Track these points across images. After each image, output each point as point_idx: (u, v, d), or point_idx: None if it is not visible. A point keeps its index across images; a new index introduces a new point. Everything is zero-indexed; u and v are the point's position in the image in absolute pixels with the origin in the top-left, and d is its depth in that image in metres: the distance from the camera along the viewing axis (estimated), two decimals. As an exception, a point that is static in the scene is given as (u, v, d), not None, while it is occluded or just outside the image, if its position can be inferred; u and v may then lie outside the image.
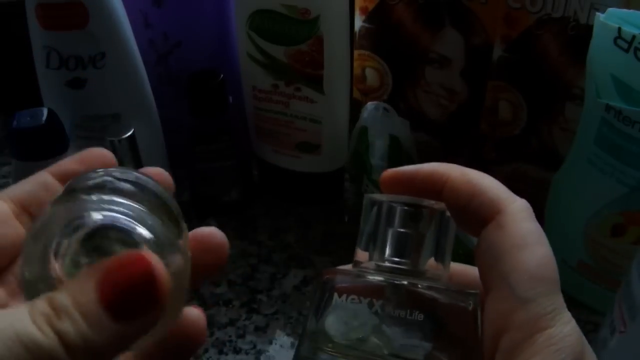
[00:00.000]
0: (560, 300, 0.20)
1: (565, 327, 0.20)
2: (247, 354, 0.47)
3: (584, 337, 0.20)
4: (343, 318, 0.22)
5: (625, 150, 0.39)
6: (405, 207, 0.24)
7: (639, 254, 0.35)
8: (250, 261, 0.55)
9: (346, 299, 0.22)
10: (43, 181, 0.24)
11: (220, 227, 0.24)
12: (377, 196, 0.25)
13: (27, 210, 0.23)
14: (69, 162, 0.25)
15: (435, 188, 0.24)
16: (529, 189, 0.56)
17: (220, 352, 0.47)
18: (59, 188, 0.23)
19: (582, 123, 0.44)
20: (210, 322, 0.49)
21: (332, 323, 0.22)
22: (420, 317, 0.22)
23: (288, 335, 0.48)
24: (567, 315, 0.20)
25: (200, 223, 0.26)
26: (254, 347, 0.47)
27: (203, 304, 0.50)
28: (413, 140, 0.56)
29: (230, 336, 0.48)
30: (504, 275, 0.20)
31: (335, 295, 0.23)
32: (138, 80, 0.50)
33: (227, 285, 0.52)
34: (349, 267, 0.25)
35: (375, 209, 0.25)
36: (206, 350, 0.47)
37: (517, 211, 0.22)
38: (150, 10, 0.53)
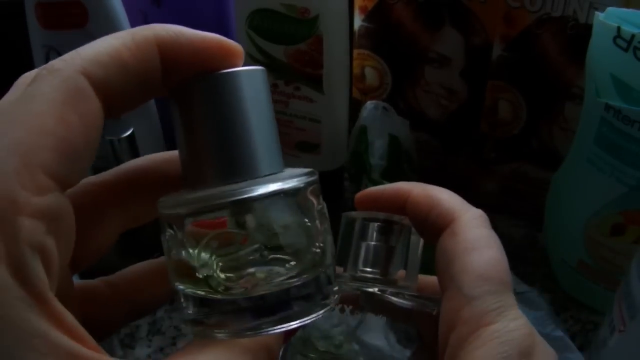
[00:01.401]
0: (508, 299, 0.21)
1: (510, 323, 0.20)
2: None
3: (536, 335, 0.21)
4: (321, 324, 0.24)
5: (625, 150, 0.39)
6: (377, 223, 0.26)
7: (638, 253, 0.35)
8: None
9: None
10: None
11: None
12: (353, 214, 0.27)
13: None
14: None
15: (399, 204, 0.26)
16: (528, 189, 0.56)
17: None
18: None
19: (581, 122, 0.44)
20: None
21: (311, 329, 0.24)
22: (389, 318, 0.23)
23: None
24: (514, 313, 0.21)
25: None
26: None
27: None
28: (412, 139, 0.56)
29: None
30: (453, 276, 0.22)
31: None
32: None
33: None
34: None
35: (350, 225, 0.27)
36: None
37: (469, 219, 0.23)
38: (150, 10, 0.53)
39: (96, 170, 0.22)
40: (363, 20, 0.56)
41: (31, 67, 0.18)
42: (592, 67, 0.41)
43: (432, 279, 0.27)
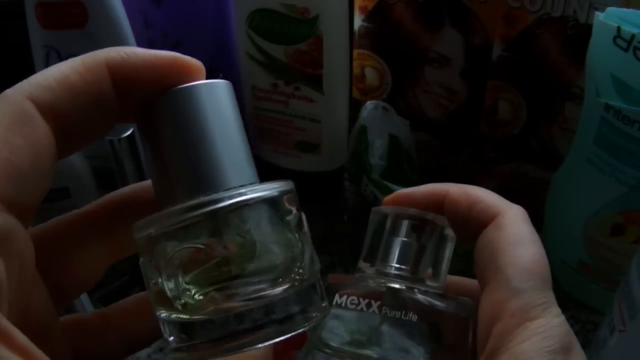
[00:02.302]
0: (551, 296, 0.21)
1: (554, 319, 0.21)
2: (246, 353, 0.47)
3: (573, 334, 0.21)
4: (342, 320, 0.23)
5: (625, 150, 0.39)
6: (409, 219, 0.26)
7: (638, 253, 0.35)
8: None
9: (346, 300, 0.23)
10: None
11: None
12: (385, 209, 0.27)
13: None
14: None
15: (435, 203, 0.26)
16: (528, 189, 0.56)
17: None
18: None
19: (581, 122, 0.44)
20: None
21: (331, 325, 0.23)
22: (415, 318, 0.23)
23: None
24: (557, 310, 0.21)
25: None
26: (254, 346, 0.47)
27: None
28: (413, 139, 0.56)
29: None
30: (500, 269, 0.22)
31: (337, 296, 0.24)
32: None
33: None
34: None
35: (380, 220, 0.26)
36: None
37: (514, 214, 0.24)
38: (150, 10, 0.53)
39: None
40: (363, 20, 0.56)
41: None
42: (592, 67, 0.41)
43: (458, 280, 0.27)
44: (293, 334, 0.19)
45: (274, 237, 0.19)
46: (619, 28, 0.37)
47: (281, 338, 0.19)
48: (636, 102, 0.38)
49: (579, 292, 0.49)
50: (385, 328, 0.23)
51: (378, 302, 0.23)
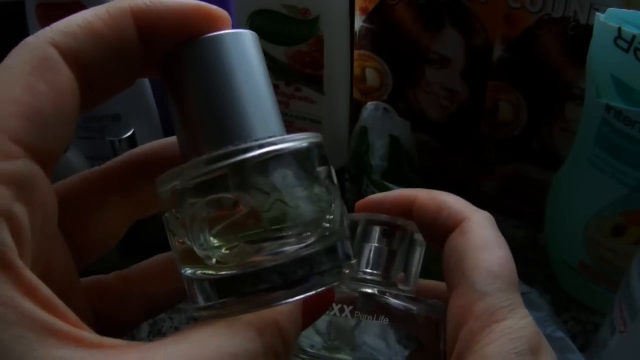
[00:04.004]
0: (517, 298, 0.22)
1: (521, 320, 0.21)
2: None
3: (541, 334, 0.21)
4: (317, 325, 0.24)
5: (626, 151, 0.39)
6: (380, 225, 0.26)
7: (639, 254, 0.35)
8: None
9: None
10: None
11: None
12: (356, 215, 0.27)
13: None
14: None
15: (404, 208, 0.26)
16: (529, 190, 0.56)
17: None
18: None
19: (582, 123, 0.44)
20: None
21: (306, 330, 0.23)
22: (387, 321, 0.23)
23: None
24: (524, 312, 0.21)
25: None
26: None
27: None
28: (413, 140, 0.56)
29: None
30: (465, 273, 0.22)
31: None
32: (139, 81, 0.50)
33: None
34: None
35: (351, 226, 0.27)
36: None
37: (479, 220, 0.24)
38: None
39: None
40: (364, 21, 0.56)
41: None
42: (593, 68, 0.41)
43: (429, 283, 0.27)
44: (322, 289, 0.18)
45: (303, 190, 0.18)
46: (619, 29, 0.37)
47: (310, 293, 0.18)
48: (637, 103, 0.37)
49: (579, 292, 0.49)
50: (358, 332, 0.23)
51: (351, 307, 0.24)
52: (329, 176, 0.19)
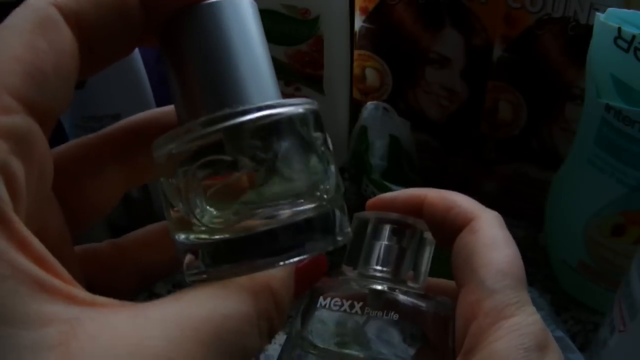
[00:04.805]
0: (525, 295, 0.22)
1: (529, 317, 0.21)
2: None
3: (548, 332, 0.22)
4: (326, 321, 0.24)
5: (626, 150, 0.39)
6: (390, 223, 0.27)
7: (638, 254, 0.35)
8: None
9: (330, 302, 0.24)
10: None
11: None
12: (366, 214, 0.27)
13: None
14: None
15: (414, 207, 0.26)
16: (529, 189, 0.56)
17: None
18: None
19: (582, 123, 0.44)
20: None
21: (316, 326, 0.24)
22: (397, 317, 0.24)
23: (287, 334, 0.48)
24: (531, 309, 0.22)
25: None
26: (254, 347, 0.47)
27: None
28: (413, 140, 0.56)
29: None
30: (475, 270, 0.23)
31: (320, 298, 0.24)
32: (138, 80, 0.50)
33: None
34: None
35: (362, 225, 0.27)
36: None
37: (488, 219, 0.24)
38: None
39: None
40: (364, 21, 0.56)
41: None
42: (593, 68, 0.41)
43: (437, 281, 0.27)
44: (315, 254, 0.18)
45: (299, 156, 0.18)
46: (619, 29, 0.37)
47: (302, 257, 0.18)
48: (637, 103, 0.38)
49: (579, 292, 0.49)
50: (368, 328, 0.24)
51: (361, 303, 0.24)
52: (325, 142, 0.20)
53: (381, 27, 0.55)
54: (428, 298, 0.25)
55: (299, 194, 0.18)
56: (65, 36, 0.17)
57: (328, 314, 0.24)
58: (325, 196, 0.19)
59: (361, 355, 0.23)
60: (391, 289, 0.25)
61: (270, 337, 0.18)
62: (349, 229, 0.20)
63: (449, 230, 0.25)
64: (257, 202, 0.18)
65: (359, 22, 0.56)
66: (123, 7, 0.18)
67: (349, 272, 0.27)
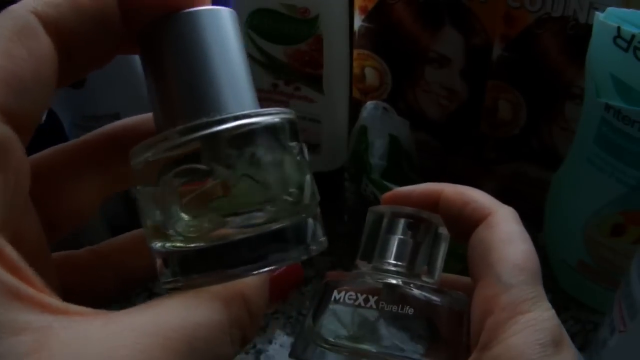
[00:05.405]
0: (541, 291, 0.22)
1: (544, 313, 0.22)
2: (246, 353, 0.47)
3: (563, 328, 0.22)
4: (340, 315, 0.24)
5: (625, 150, 0.39)
6: (405, 218, 0.26)
7: (638, 253, 0.35)
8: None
9: (344, 296, 0.24)
10: None
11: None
12: (381, 208, 0.27)
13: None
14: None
15: (430, 202, 0.26)
16: (528, 189, 0.56)
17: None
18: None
19: (581, 122, 0.44)
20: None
21: (329, 320, 0.24)
22: (411, 312, 0.23)
23: (288, 334, 0.48)
24: (547, 304, 0.22)
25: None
26: (254, 346, 0.47)
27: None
28: (413, 139, 0.56)
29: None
30: (491, 265, 0.23)
31: (335, 292, 0.24)
32: (138, 80, 0.50)
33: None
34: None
35: (377, 219, 0.27)
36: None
37: (505, 214, 0.25)
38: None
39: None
40: (363, 20, 0.56)
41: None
42: (592, 67, 0.41)
43: (451, 277, 0.28)
44: (288, 263, 0.19)
45: (274, 165, 0.19)
46: (619, 28, 0.37)
47: (274, 267, 0.18)
48: (636, 102, 0.38)
49: (579, 292, 0.49)
50: (382, 322, 0.24)
51: (375, 298, 0.24)
52: (301, 151, 0.20)
53: (381, 26, 0.55)
54: (443, 293, 0.25)
55: (273, 203, 0.18)
56: (44, 44, 0.17)
57: (342, 308, 0.24)
58: (299, 205, 0.19)
59: (373, 350, 0.23)
60: (406, 283, 0.25)
61: (243, 345, 0.18)
62: (324, 238, 0.20)
63: (465, 226, 0.25)
64: (232, 210, 0.18)
65: (358, 22, 0.56)
66: (102, 15, 0.18)
67: (363, 266, 0.27)
